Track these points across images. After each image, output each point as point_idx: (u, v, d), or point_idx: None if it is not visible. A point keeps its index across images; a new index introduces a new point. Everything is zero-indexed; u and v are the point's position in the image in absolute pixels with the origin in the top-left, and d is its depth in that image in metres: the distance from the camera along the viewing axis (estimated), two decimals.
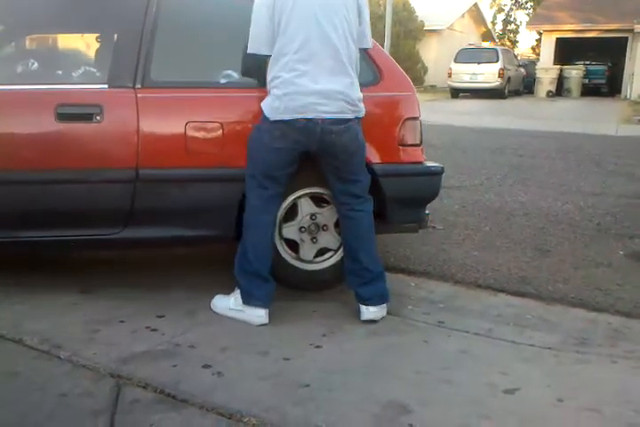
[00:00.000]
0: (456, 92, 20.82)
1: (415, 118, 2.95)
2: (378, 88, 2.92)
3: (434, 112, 12.10)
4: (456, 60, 20.69)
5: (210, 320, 2.66)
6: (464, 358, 2.43)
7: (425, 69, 25.44)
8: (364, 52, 2.84)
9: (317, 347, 2.46)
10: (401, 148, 2.92)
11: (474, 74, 19.96)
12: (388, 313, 2.81)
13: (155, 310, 2.74)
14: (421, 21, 25.36)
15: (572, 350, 2.54)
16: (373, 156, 2.84)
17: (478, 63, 19.94)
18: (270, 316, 2.65)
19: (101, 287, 2.96)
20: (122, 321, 2.62)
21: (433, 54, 25.86)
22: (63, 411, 1.95)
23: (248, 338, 2.51)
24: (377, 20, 22.36)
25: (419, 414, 2.00)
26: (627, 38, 22.33)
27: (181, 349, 2.39)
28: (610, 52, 23.32)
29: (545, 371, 2.34)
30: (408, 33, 24.60)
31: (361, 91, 2.64)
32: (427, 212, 3.13)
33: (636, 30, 20.98)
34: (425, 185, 3.03)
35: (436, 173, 3.04)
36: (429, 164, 3.04)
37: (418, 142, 2.98)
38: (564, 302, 3.06)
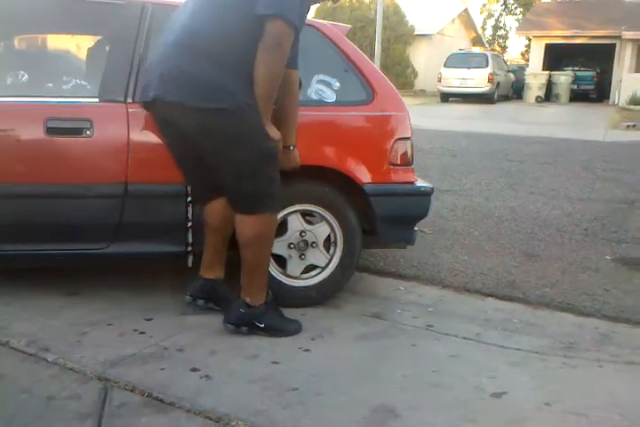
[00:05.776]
0: (446, 97, 20.91)
1: (407, 138, 2.94)
2: (370, 107, 2.91)
3: (423, 117, 12.12)
4: (446, 65, 20.79)
5: (199, 323, 2.65)
6: (452, 361, 2.44)
7: (415, 74, 25.56)
8: (358, 71, 2.90)
9: (306, 351, 2.46)
10: (392, 167, 2.91)
11: (463, 79, 20.05)
12: (377, 317, 2.82)
13: (143, 312, 2.73)
14: (412, 26, 25.50)
15: (560, 354, 2.55)
16: (364, 175, 2.85)
17: (468, 68, 20.03)
18: None
19: (89, 290, 2.95)
20: (109, 324, 2.60)
21: (423, 59, 25.96)
22: (50, 414, 1.94)
23: (237, 341, 2.50)
24: (367, 24, 22.53)
25: (407, 417, 2.00)
26: (615, 45, 22.50)
27: (169, 352, 2.38)
28: (598, 58, 23.50)
29: (532, 375, 2.35)
30: (398, 37, 24.73)
31: (354, 110, 2.79)
32: (415, 229, 3.10)
33: (623, 37, 21.15)
34: (415, 205, 3.02)
35: (427, 194, 3.02)
36: (420, 183, 3.03)
37: (409, 162, 2.96)
38: (552, 307, 3.08)
